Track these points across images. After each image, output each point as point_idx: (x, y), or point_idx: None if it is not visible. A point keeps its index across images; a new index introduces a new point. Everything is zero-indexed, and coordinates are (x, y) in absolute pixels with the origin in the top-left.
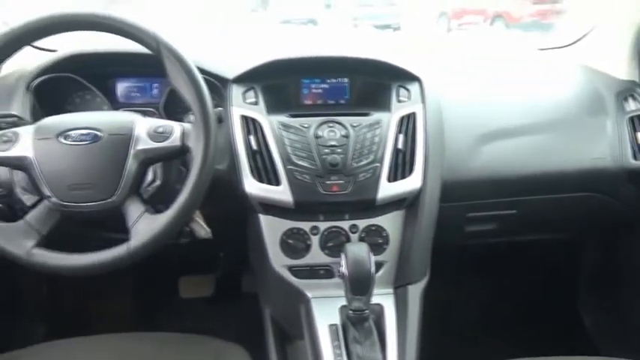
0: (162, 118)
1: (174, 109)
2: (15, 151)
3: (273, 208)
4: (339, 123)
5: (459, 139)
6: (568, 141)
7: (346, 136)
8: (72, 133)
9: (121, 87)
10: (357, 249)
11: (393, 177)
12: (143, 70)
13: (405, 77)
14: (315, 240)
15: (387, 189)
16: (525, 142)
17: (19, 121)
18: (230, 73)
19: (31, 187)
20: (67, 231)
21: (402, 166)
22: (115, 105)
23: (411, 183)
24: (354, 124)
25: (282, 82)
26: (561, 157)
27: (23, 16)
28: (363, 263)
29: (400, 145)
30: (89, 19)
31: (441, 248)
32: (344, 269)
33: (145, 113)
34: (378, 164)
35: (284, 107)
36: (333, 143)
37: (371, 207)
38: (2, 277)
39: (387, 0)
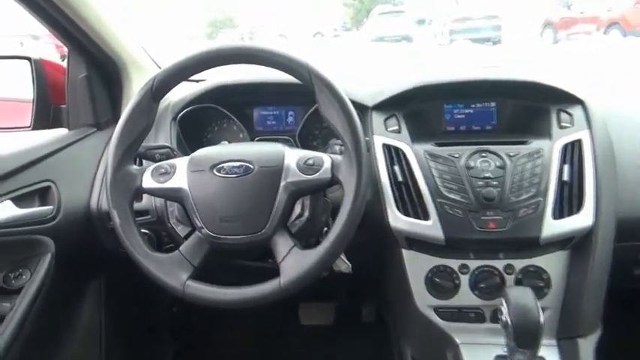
0: (298, 146)
1: (308, 136)
2: (172, 183)
3: (418, 243)
4: (493, 152)
5: (632, 167)
6: None
7: (502, 167)
8: (225, 165)
9: (258, 115)
10: (521, 294)
11: (559, 213)
12: (279, 99)
13: (566, 100)
14: (464, 279)
15: (552, 227)
16: None
17: (171, 152)
18: (369, 99)
19: (184, 219)
20: (212, 262)
21: (568, 201)
22: (252, 133)
23: (580, 220)
24: (511, 154)
25: (423, 109)
26: None
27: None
28: (530, 312)
29: (566, 177)
30: (245, 52)
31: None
32: (506, 316)
33: (280, 141)
34: (541, 198)
35: (427, 135)
36: (487, 175)
37: (531, 246)
38: (136, 298)
39: (486, 12)
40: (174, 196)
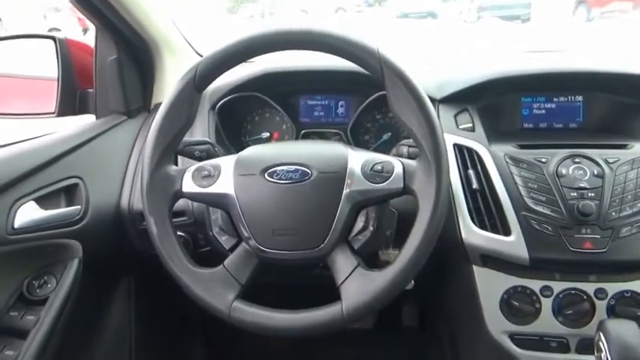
0: (348, 140)
1: (359, 130)
2: (216, 188)
3: (493, 260)
4: (588, 157)
5: None
6: None
7: (600, 176)
8: (278, 169)
9: (304, 105)
10: (626, 330)
11: None
12: (328, 87)
13: None
14: (546, 303)
15: None
16: None
17: (212, 149)
18: (435, 91)
19: (229, 228)
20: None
21: None
22: (296, 124)
23: None
24: (610, 160)
25: (499, 102)
26: None
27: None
28: (637, 352)
29: None
30: (308, 37)
31: None
32: (606, 354)
33: (328, 135)
34: None
35: (503, 134)
36: (582, 185)
37: (634, 271)
38: (166, 294)
39: None
40: (218, 202)
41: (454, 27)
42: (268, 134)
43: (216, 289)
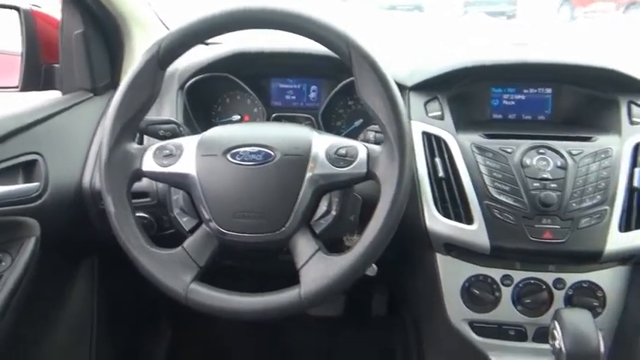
0: (319, 126)
1: (331, 116)
2: (177, 168)
3: (456, 248)
4: (553, 149)
5: None
6: None
7: (563, 167)
8: (241, 150)
9: (276, 88)
10: (580, 319)
11: (626, 225)
12: (301, 70)
13: (638, 90)
14: (506, 292)
15: (617, 240)
16: None
17: (177, 129)
18: (407, 78)
19: (190, 209)
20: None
21: (637, 211)
22: (267, 108)
23: None
24: (574, 152)
25: (469, 92)
26: None
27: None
28: (590, 341)
29: (637, 183)
30: (277, 16)
31: None
32: (559, 342)
33: (299, 120)
34: (607, 207)
35: (472, 123)
36: (545, 175)
37: (590, 261)
38: (131, 281)
39: None
40: (179, 182)
41: (441, 21)
42: (239, 117)
43: (173, 271)
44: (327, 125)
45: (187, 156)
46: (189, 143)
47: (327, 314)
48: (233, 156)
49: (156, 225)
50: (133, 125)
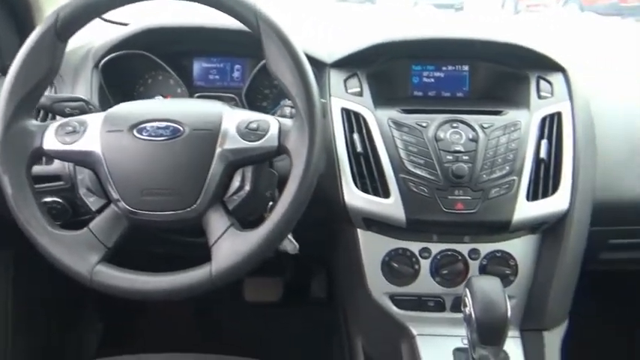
0: (244, 106)
1: (257, 96)
2: (81, 145)
3: (376, 223)
4: (465, 123)
5: (612, 149)
6: None
7: (474, 140)
8: (147, 125)
9: (198, 67)
10: (489, 286)
11: (533, 194)
12: (225, 49)
13: (547, 66)
14: (425, 264)
15: (525, 210)
16: None
17: (85, 106)
18: (327, 55)
19: (97, 189)
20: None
21: (544, 181)
22: (190, 88)
23: (555, 203)
24: (485, 125)
25: (388, 69)
26: None
27: None
28: (498, 306)
29: (543, 154)
30: None
31: None
32: (470, 309)
33: (223, 100)
34: (515, 178)
35: (391, 100)
36: (458, 148)
37: (500, 230)
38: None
39: None
40: (83, 160)
41: (391, 12)
42: (161, 97)
43: (78, 252)
44: (253, 105)
45: (91, 132)
46: (94, 119)
47: (264, 300)
48: (140, 131)
49: (70, 209)
50: (30, 101)
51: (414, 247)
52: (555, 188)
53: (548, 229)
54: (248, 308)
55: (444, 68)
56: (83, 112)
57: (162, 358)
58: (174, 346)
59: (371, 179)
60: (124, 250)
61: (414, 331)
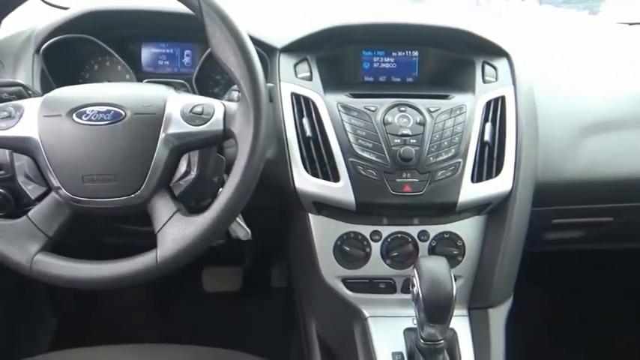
0: (195, 93)
1: (208, 82)
2: (16, 131)
3: (327, 207)
4: (413, 107)
5: (553, 132)
6: None
7: (422, 124)
8: (88, 110)
9: (147, 53)
10: (435, 266)
11: (478, 176)
12: (174, 34)
13: (491, 51)
14: (375, 247)
15: (470, 191)
16: (635, 138)
17: (24, 92)
18: (277, 40)
19: (36, 176)
20: (75, 229)
21: (488, 164)
22: (139, 74)
23: (498, 185)
24: (432, 109)
25: (339, 54)
26: None
27: None
28: (444, 285)
29: (487, 137)
30: None
31: None
32: (417, 289)
33: (173, 86)
34: (460, 160)
35: (342, 85)
36: (405, 132)
37: (447, 212)
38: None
39: None
40: (20, 146)
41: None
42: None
43: (17, 241)
44: (204, 92)
45: (28, 117)
46: (31, 104)
47: (223, 289)
48: (79, 115)
49: (13, 200)
50: None
51: (365, 230)
52: (499, 170)
53: (493, 210)
54: (207, 298)
55: (394, 54)
56: (21, 97)
57: (120, 350)
58: (132, 338)
59: (321, 163)
60: (71, 243)
61: (366, 313)
